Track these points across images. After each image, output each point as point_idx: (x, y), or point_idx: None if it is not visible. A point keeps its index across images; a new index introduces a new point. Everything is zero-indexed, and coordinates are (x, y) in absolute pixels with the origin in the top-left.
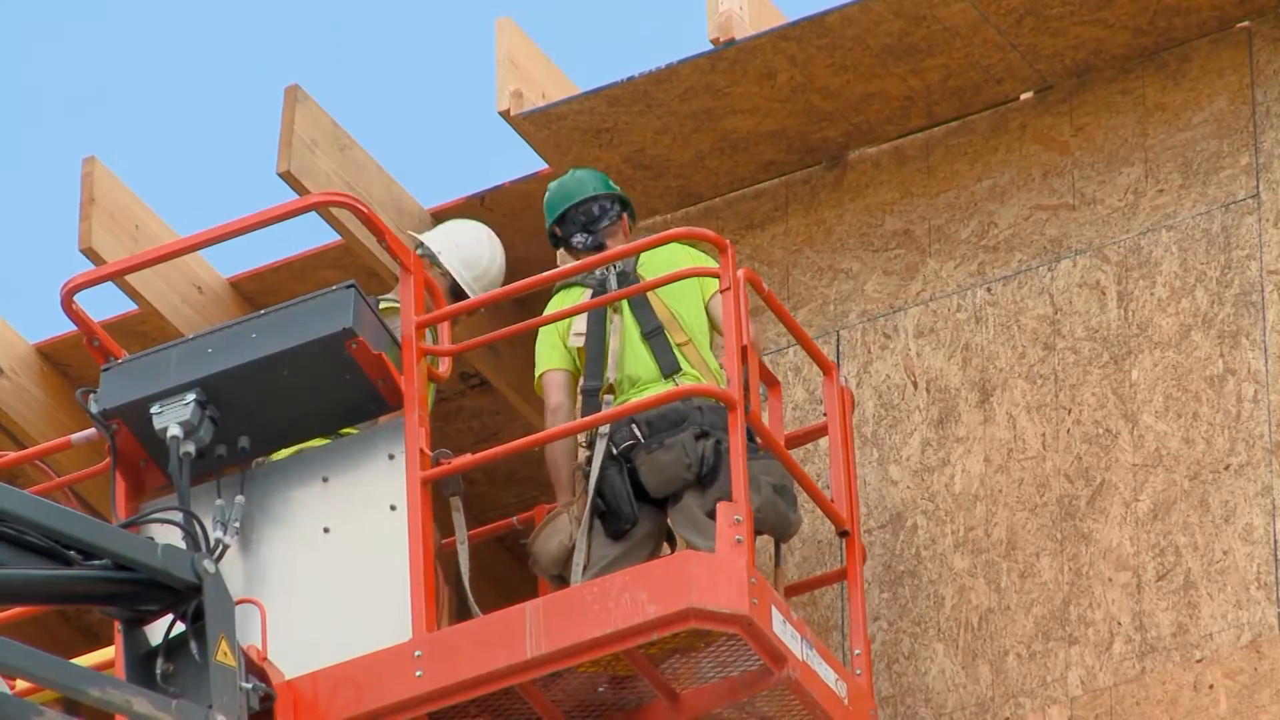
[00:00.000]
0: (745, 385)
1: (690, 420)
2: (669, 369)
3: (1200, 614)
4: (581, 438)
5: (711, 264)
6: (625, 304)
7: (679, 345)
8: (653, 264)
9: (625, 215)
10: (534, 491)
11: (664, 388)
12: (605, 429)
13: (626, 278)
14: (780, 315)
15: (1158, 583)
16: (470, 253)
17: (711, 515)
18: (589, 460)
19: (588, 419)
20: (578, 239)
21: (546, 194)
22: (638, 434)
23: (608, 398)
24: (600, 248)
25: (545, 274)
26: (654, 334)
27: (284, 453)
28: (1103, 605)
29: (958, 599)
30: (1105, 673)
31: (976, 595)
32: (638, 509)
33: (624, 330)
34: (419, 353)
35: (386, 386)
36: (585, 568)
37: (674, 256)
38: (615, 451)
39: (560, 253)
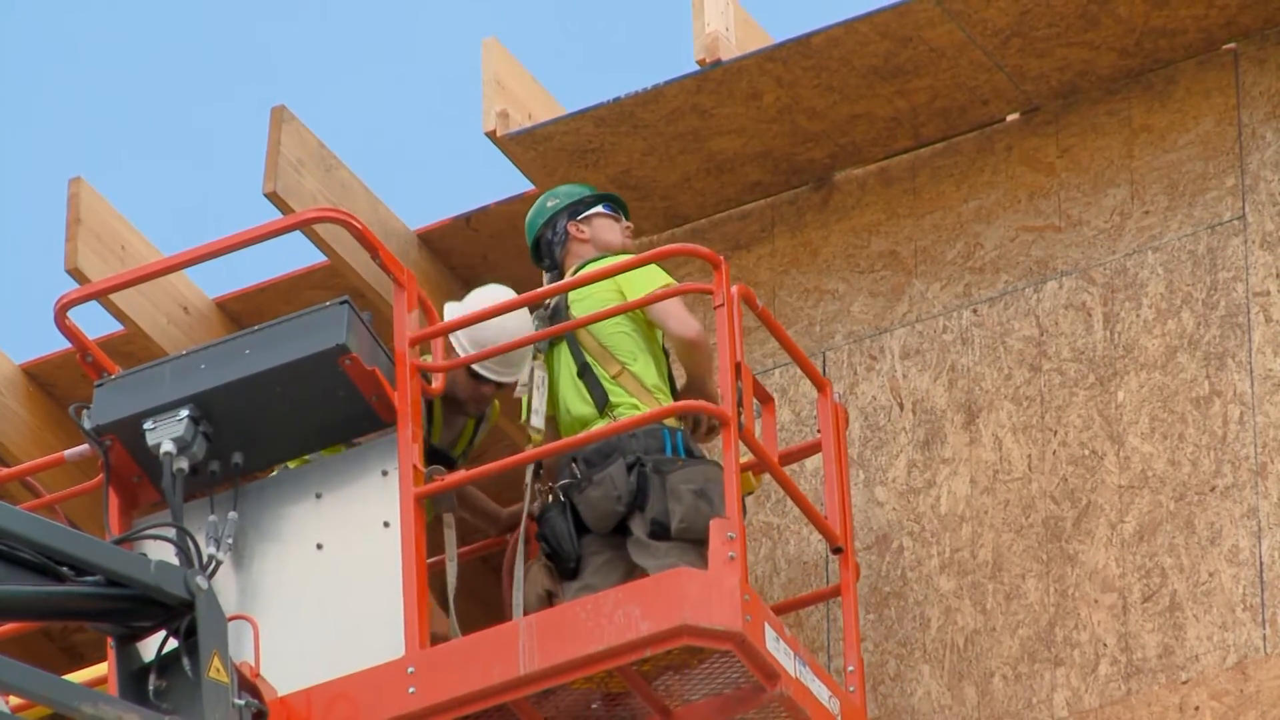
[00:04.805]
0: (739, 402)
1: (621, 450)
2: (600, 403)
3: (1186, 636)
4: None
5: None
6: (562, 344)
7: (613, 377)
8: (583, 296)
9: (579, 220)
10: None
11: (601, 423)
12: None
13: (559, 314)
14: (775, 332)
15: (1143, 604)
16: (479, 335)
17: (653, 535)
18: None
19: (529, 453)
20: (547, 276)
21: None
22: (575, 472)
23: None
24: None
25: (528, 294)
26: (584, 371)
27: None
28: (1089, 627)
29: (944, 620)
30: (1091, 694)
31: (962, 617)
32: (579, 544)
33: (560, 369)
34: (412, 369)
35: (380, 402)
36: None
37: (602, 290)
38: (558, 492)
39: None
